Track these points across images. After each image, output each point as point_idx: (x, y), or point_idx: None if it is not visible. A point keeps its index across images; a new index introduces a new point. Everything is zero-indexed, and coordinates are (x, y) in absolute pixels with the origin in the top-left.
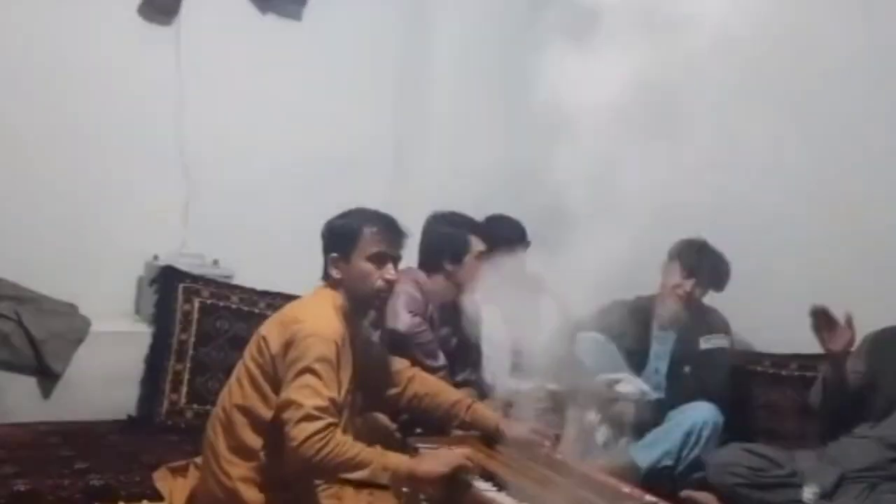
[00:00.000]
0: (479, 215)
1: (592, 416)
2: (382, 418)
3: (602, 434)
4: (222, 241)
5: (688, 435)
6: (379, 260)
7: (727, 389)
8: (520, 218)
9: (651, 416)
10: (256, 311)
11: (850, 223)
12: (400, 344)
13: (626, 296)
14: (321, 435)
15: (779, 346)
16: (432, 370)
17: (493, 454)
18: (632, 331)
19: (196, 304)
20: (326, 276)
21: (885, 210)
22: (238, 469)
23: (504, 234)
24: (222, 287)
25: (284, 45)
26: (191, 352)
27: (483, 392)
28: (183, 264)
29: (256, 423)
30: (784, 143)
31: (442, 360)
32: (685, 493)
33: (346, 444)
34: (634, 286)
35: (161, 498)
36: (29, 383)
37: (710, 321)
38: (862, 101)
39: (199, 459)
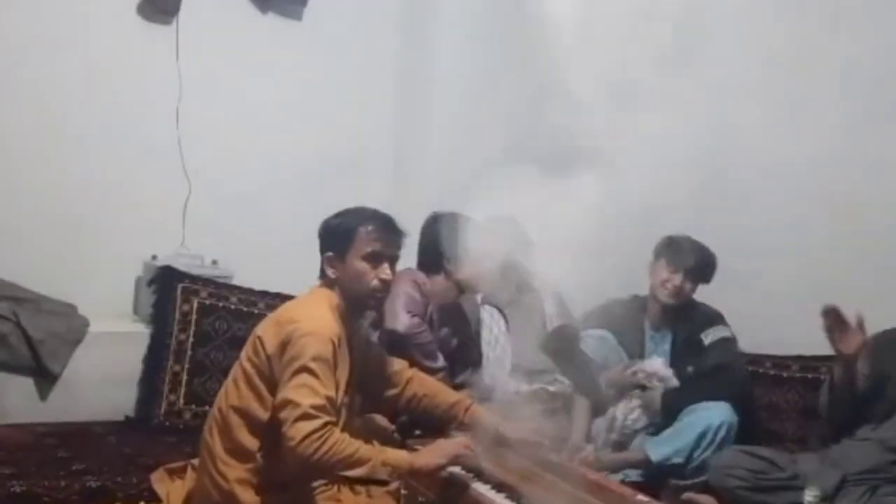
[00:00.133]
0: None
1: (630, 403)
2: (381, 420)
3: (639, 420)
4: (221, 242)
5: (702, 436)
6: (374, 259)
7: (745, 378)
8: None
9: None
10: (255, 311)
11: (851, 223)
12: (399, 344)
13: (622, 294)
14: (319, 433)
15: (780, 347)
16: (431, 371)
17: (491, 455)
18: (628, 329)
19: (195, 305)
20: (322, 276)
21: (885, 210)
22: (235, 471)
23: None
24: (221, 287)
25: (284, 44)
26: (189, 352)
27: (483, 393)
28: (181, 264)
29: (253, 424)
30: (783, 142)
31: (441, 361)
32: (686, 495)
33: (344, 442)
34: (631, 286)
35: (158, 500)
36: (27, 384)
37: (705, 315)
38: (861, 100)
39: (196, 461)
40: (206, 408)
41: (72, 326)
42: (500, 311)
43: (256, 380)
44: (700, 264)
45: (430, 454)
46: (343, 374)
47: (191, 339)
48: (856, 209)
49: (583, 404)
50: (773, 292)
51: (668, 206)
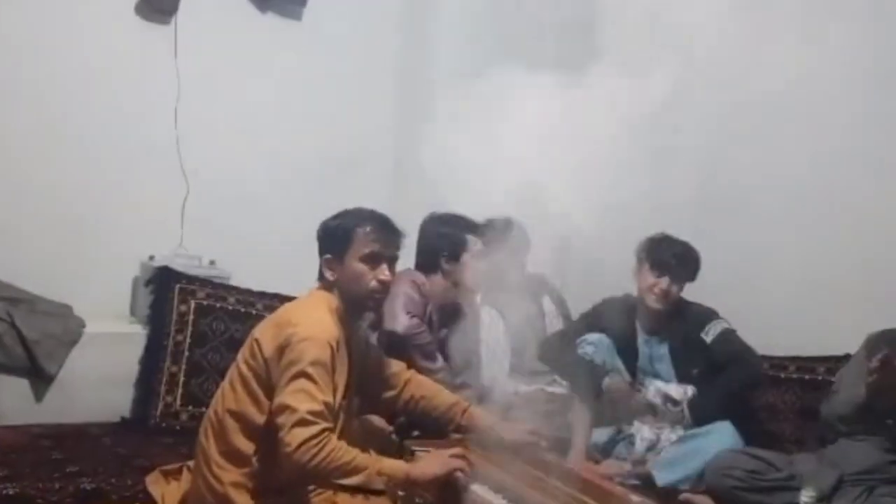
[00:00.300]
0: (480, 217)
1: (655, 424)
2: (379, 421)
3: (672, 434)
4: (219, 242)
5: (709, 464)
6: (373, 260)
7: (759, 361)
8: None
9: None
10: (254, 312)
11: (849, 225)
12: (398, 346)
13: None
14: (316, 440)
15: (776, 348)
16: (430, 372)
17: (489, 457)
18: (621, 332)
19: (192, 305)
20: (321, 278)
21: (883, 210)
22: (230, 474)
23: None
24: (219, 288)
25: (283, 44)
26: (186, 353)
27: (482, 394)
28: (179, 265)
29: (249, 428)
30: (781, 142)
31: (440, 361)
32: (683, 496)
33: (341, 450)
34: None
35: (153, 502)
36: (22, 385)
37: (698, 314)
38: (861, 99)
39: (192, 463)
40: (203, 409)
41: (68, 327)
42: (499, 311)
43: (253, 383)
44: (684, 264)
45: (427, 465)
46: (341, 377)
47: (188, 340)
48: (854, 210)
49: (582, 413)
50: (770, 294)
51: (668, 206)
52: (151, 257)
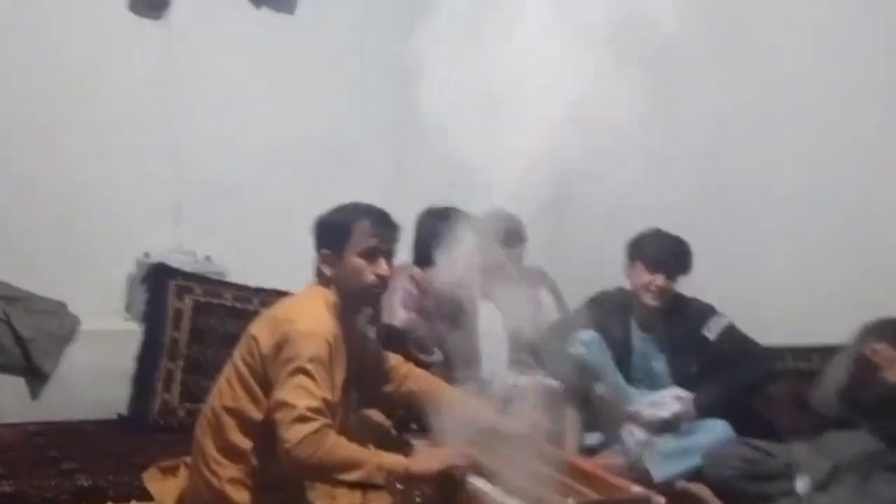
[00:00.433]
0: (478, 210)
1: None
2: (377, 415)
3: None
4: (214, 238)
5: (705, 455)
6: (371, 255)
7: (767, 353)
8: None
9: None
10: (251, 308)
11: (845, 215)
12: (396, 340)
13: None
14: (315, 437)
15: (773, 338)
16: (429, 366)
17: (488, 449)
18: (614, 329)
19: (188, 302)
20: (318, 274)
21: (880, 199)
22: (227, 471)
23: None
24: (215, 284)
25: (277, 38)
26: (183, 350)
27: (480, 387)
28: (174, 261)
29: (246, 424)
30: (777, 133)
31: (438, 355)
32: (680, 484)
33: (340, 446)
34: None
35: (150, 499)
36: (18, 383)
37: (697, 310)
38: (857, 89)
39: (189, 459)
40: (201, 406)
41: (63, 325)
42: (497, 304)
43: (250, 380)
44: (678, 259)
45: (427, 459)
46: (339, 373)
47: (185, 337)
48: (850, 201)
49: (573, 417)
50: (765, 283)
51: (668, 205)
52: (146, 254)
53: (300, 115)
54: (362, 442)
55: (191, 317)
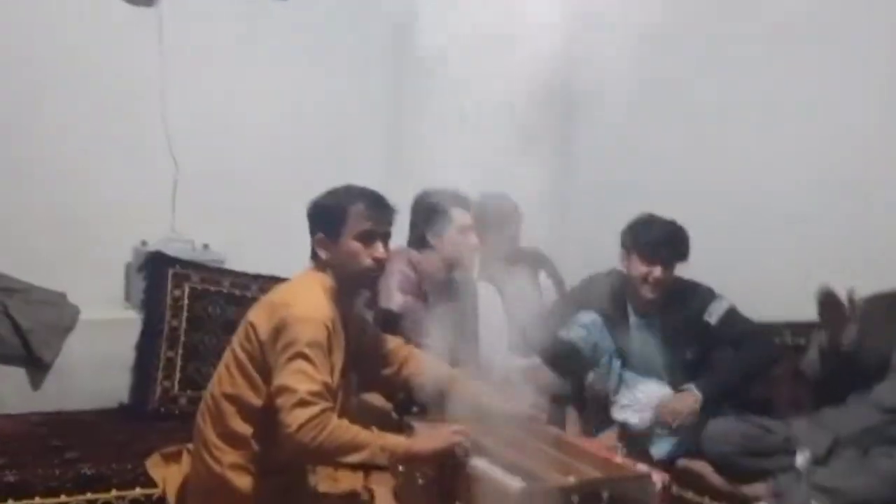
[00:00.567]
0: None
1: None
2: (378, 399)
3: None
4: (212, 225)
5: (705, 432)
6: (367, 238)
7: (770, 342)
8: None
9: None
10: (249, 294)
11: (840, 191)
12: (394, 324)
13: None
14: (317, 420)
15: (770, 313)
16: (428, 349)
17: (488, 430)
18: (612, 313)
19: (186, 290)
20: (314, 258)
21: (878, 173)
22: (228, 456)
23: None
24: (213, 272)
25: (271, 23)
26: (182, 338)
27: (480, 369)
28: (172, 249)
29: (246, 411)
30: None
31: (437, 338)
32: (681, 462)
33: (342, 428)
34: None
35: (154, 485)
36: (18, 374)
37: (696, 293)
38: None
39: (192, 445)
40: (202, 393)
41: (63, 315)
42: (496, 286)
43: (249, 367)
44: (674, 247)
45: (428, 440)
46: (338, 357)
47: (184, 325)
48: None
49: (573, 417)
50: (763, 259)
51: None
52: (144, 243)
53: (294, 100)
54: (364, 425)
55: (189, 304)
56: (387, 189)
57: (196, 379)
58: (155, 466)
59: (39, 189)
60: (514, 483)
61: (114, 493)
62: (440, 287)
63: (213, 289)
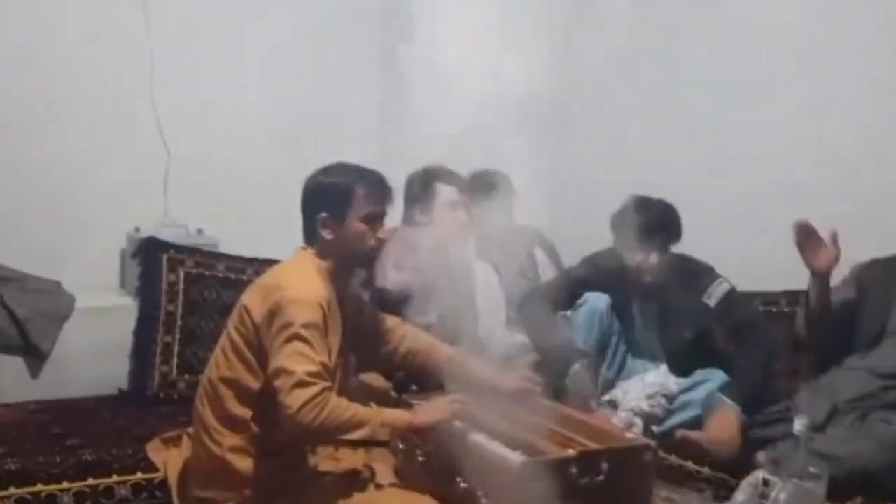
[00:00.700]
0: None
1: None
2: (376, 378)
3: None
4: (205, 210)
5: (703, 409)
6: (373, 219)
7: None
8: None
9: None
10: (244, 278)
11: (837, 158)
12: (390, 303)
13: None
14: (316, 400)
15: (768, 283)
16: (425, 326)
17: (487, 405)
18: (618, 294)
19: (181, 275)
20: (310, 237)
21: (876, 141)
22: (228, 439)
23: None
24: (207, 256)
25: (261, 6)
26: (179, 323)
27: (478, 346)
28: (165, 235)
29: (244, 394)
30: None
31: (433, 316)
32: (679, 432)
33: (341, 407)
34: None
35: (155, 469)
36: (17, 363)
37: (696, 273)
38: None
39: (192, 429)
40: (200, 377)
41: (59, 303)
42: (492, 262)
43: (245, 350)
44: (667, 230)
45: (428, 411)
46: (335, 338)
47: (180, 310)
48: (844, 140)
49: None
50: (758, 227)
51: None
52: (137, 229)
53: (286, 83)
54: (363, 404)
55: (184, 289)
56: (380, 168)
57: (194, 363)
58: (155, 451)
59: (32, 179)
60: (515, 457)
61: (115, 478)
62: (436, 264)
63: (207, 273)
